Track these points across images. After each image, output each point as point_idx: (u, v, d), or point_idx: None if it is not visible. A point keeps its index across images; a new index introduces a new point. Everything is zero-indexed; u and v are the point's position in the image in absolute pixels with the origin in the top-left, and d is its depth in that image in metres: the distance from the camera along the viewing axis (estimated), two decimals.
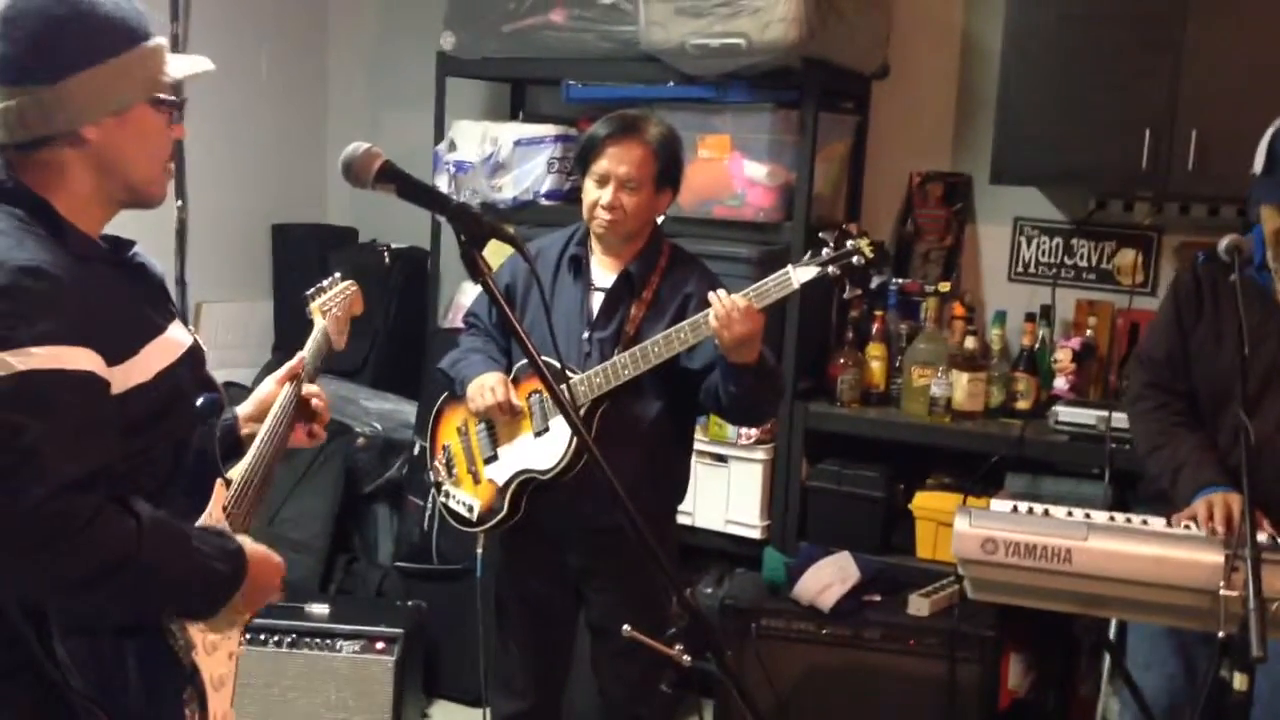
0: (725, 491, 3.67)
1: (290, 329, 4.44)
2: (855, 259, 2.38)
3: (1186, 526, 2.24)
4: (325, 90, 4.72)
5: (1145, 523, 2.28)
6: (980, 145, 3.60)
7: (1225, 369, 2.40)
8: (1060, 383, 3.49)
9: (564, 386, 2.53)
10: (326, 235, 4.44)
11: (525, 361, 2.63)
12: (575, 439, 2.50)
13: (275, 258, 4.47)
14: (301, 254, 4.32)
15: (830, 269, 2.38)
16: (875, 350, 3.63)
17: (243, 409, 1.93)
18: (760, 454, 3.62)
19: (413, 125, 4.26)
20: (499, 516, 2.61)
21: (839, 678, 3.15)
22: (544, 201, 3.86)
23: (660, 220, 3.57)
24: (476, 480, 2.66)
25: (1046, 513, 2.30)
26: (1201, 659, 2.40)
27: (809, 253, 2.42)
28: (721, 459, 3.66)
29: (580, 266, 2.65)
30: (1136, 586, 2.06)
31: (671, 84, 3.62)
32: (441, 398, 2.78)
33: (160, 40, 1.62)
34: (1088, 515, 2.30)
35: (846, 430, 3.57)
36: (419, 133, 4.14)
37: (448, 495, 2.70)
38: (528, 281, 2.69)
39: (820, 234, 2.43)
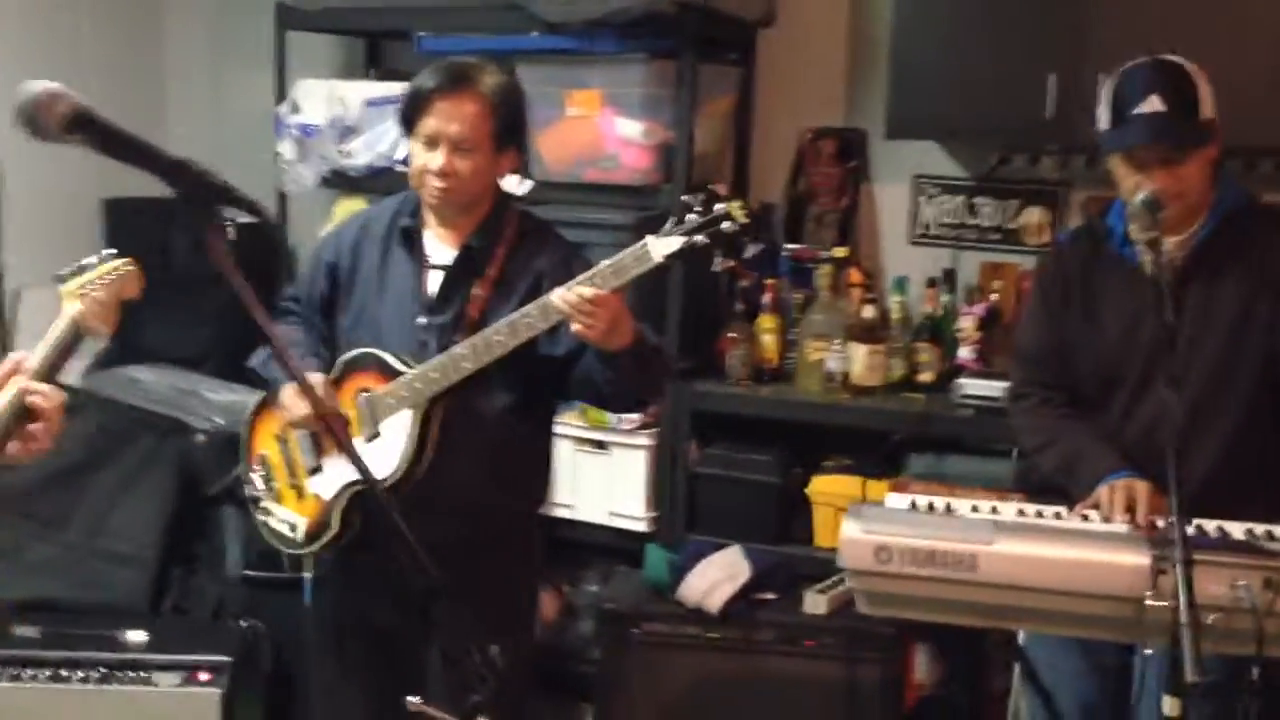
0: (607, 481, 3.35)
1: (127, 316, 4.02)
2: (725, 225, 2.05)
3: (1085, 516, 2.00)
4: (161, 48, 4.26)
5: (1059, 516, 2.02)
6: (876, 97, 3.30)
7: (1108, 351, 2.23)
8: (965, 352, 3.22)
9: (386, 389, 2.21)
10: (165, 210, 3.99)
11: (354, 354, 2.28)
12: (411, 444, 2.18)
13: (108, 236, 4.02)
14: (137, 231, 3.88)
15: (696, 238, 2.05)
16: (767, 322, 3.33)
17: None
18: (644, 439, 3.30)
19: (260, 86, 3.85)
20: (329, 534, 2.27)
21: (731, 685, 2.87)
22: (401, 168, 3.47)
23: (522, 186, 3.22)
24: (300, 495, 2.31)
25: (949, 509, 2.02)
26: (1109, 651, 2.17)
27: (671, 220, 2.09)
28: (602, 445, 3.34)
29: (413, 240, 2.30)
30: (1051, 595, 1.79)
31: (535, 34, 3.27)
32: (256, 400, 2.42)
33: None
34: (995, 510, 2.03)
35: (737, 410, 3.27)
36: (266, 93, 3.75)
37: (267, 513, 2.34)
38: (354, 259, 2.33)
39: (684, 197, 2.10)
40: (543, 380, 2.28)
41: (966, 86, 3.01)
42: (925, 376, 3.23)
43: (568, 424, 3.32)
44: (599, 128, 3.25)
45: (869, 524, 1.88)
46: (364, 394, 2.25)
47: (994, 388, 2.98)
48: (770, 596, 2.95)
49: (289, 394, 2.25)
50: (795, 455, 3.28)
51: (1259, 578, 1.70)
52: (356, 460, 1.51)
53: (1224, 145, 2.33)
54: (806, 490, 3.20)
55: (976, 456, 3.06)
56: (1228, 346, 2.17)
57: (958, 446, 3.10)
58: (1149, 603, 1.67)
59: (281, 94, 3.64)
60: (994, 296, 3.26)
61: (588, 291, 2.05)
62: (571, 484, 3.38)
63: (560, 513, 3.40)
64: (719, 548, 3.10)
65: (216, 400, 3.51)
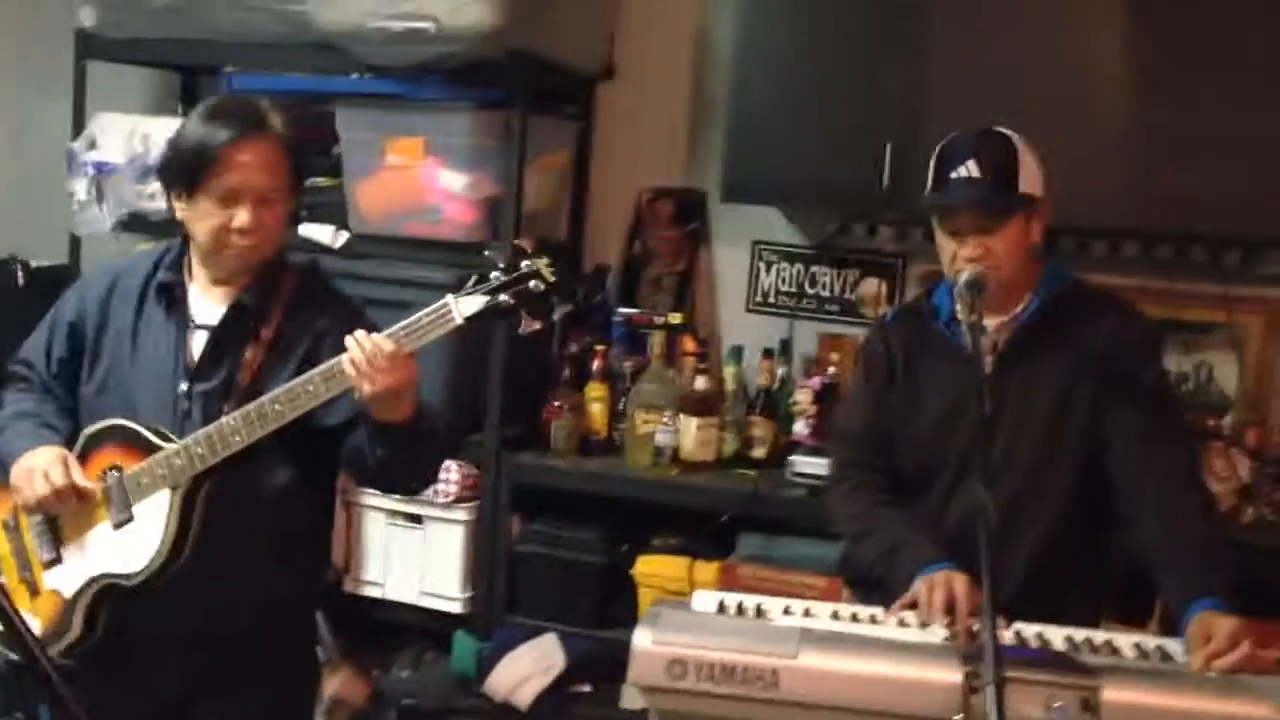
0: (421, 558, 3.11)
1: None
2: (532, 284, 1.86)
3: (902, 620, 1.86)
4: None
5: (875, 619, 1.86)
6: (717, 158, 3.17)
7: (928, 435, 2.12)
8: (800, 427, 3.09)
9: (141, 467, 1.96)
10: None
11: (101, 426, 2.00)
12: (171, 530, 1.91)
13: None
14: None
15: (501, 298, 1.85)
16: (595, 391, 3.15)
17: None
18: (461, 514, 3.07)
19: (62, 119, 3.54)
20: (69, 639, 1.97)
21: None
22: None
23: (338, 239, 3.00)
24: (34, 592, 2.01)
25: (759, 611, 1.84)
26: None
27: (474, 277, 1.88)
28: (416, 520, 3.10)
29: (174, 298, 2.04)
30: (860, 716, 1.61)
31: (356, 76, 3.06)
32: None
33: None
34: (808, 613, 1.86)
35: (562, 485, 3.07)
36: (67, 127, 3.44)
37: None
38: (101, 318, 2.06)
39: (487, 252, 1.90)
40: (323, 453, 2.04)
41: (803, 152, 2.90)
42: (759, 452, 3.09)
43: (379, 496, 3.08)
44: (421, 179, 3.05)
45: (663, 633, 1.69)
46: (114, 471, 1.97)
47: (827, 466, 2.85)
48: (586, 688, 2.74)
49: (20, 472, 1.96)
50: (622, 533, 3.09)
51: (1075, 698, 1.55)
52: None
53: (1057, 225, 2.25)
54: (632, 571, 3.01)
55: (809, 538, 2.91)
56: (1047, 435, 2.08)
57: (790, 527, 2.95)
58: None
59: (79, 128, 3.34)
60: (831, 369, 3.14)
61: (387, 344, 1.83)
62: (383, 561, 3.15)
63: (370, 591, 3.16)
64: (539, 631, 2.90)
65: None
